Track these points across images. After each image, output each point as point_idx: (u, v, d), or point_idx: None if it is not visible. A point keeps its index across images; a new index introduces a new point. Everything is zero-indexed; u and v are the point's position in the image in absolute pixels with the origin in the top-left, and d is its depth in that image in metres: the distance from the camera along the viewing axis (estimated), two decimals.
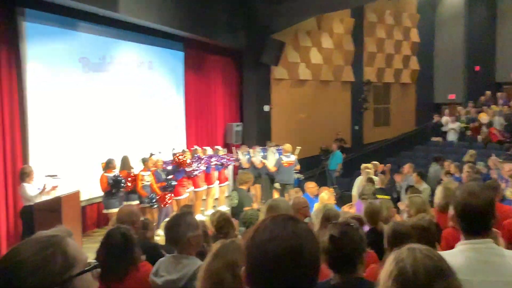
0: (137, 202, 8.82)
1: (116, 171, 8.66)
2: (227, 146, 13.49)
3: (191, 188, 10.40)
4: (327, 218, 4.10)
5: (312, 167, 14.36)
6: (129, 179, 8.72)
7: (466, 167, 8.37)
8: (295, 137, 14.22)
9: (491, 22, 19.71)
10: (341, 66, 16.50)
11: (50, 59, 8.73)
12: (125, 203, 8.13)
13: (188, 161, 9.96)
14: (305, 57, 15.30)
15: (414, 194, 5.33)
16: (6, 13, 7.87)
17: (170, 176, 9.41)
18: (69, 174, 8.30)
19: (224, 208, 10.84)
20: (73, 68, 9.29)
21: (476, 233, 2.14)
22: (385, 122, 18.76)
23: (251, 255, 1.31)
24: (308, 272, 1.30)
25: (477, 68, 19.19)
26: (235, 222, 5.17)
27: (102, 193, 8.83)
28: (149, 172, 9.13)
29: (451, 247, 2.29)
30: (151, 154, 9.69)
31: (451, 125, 16.03)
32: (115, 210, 7.22)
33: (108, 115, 10.09)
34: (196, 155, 10.67)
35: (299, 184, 11.50)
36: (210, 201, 11.26)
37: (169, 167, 9.73)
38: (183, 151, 10.50)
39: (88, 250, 7.01)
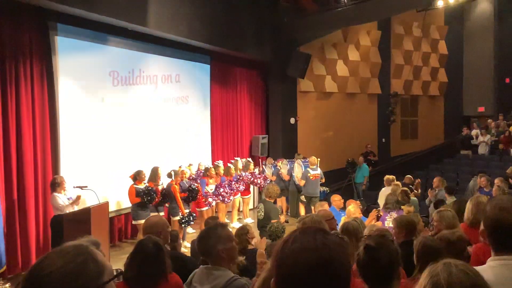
0: (162, 213, 8.90)
1: (145, 183, 8.76)
2: (253, 158, 13.51)
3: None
4: (346, 230, 4.05)
5: (338, 180, 14.25)
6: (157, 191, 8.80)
7: (497, 181, 8.19)
8: (321, 149, 14.17)
9: None
10: (368, 78, 16.40)
11: (81, 72, 8.93)
12: (152, 214, 8.19)
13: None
14: (331, 70, 15.27)
15: (443, 209, 5.23)
16: (39, 27, 8.10)
17: (194, 185, 9.47)
18: (98, 185, 8.41)
19: (250, 221, 10.85)
20: (103, 81, 9.48)
21: (507, 249, 2.09)
22: (413, 135, 18.53)
23: (281, 267, 1.30)
24: (339, 284, 1.28)
25: (507, 80, 18.83)
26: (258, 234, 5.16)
27: (130, 204, 8.93)
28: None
29: (482, 263, 2.24)
30: (179, 168, 9.82)
31: (481, 138, 15.72)
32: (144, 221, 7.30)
33: (136, 127, 10.23)
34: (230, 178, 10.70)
35: (325, 197, 11.42)
36: (235, 213, 11.25)
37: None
38: (217, 166, 10.59)
39: (115, 260, 7.11)
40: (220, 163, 10.92)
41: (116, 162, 9.54)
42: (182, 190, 9.16)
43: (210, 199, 9.99)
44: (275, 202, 8.04)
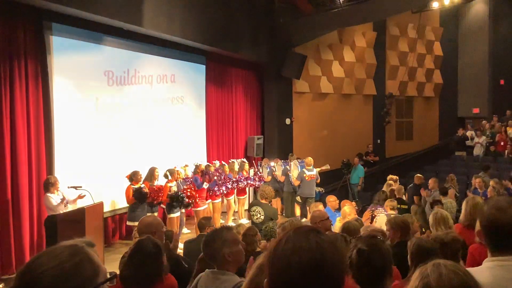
0: (156, 214, 8.88)
1: (141, 183, 8.73)
2: (248, 159, 13.51)
3: (209, 200, 10.42)
4: (347, 230, 4.04)
5: (334, 181, 14.27)
6: (152, 192, 8.76)
7: (492, 182, 8.22)
8: (316, 150, 14.18)
9: None
10: (363, 79, 16.43)
11: (76, 72, 8.90)
12: (148, 214, 8.16)
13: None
14: (327, 71, 15.29)
15: (437, 210, 5.24)
16: (34, 27, 8.06)
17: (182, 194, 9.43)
18: (92, 185, 8.38)
19: (245, 221, 10.82)
20: (98, 81, 9.45)
21: (504, 249, 2.08)
22: (408, 136, 18.57)
23: (273, 267, 1.30)
24: (332, 284, 1.28)
25: (502, 81, 18.91)
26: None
27: (124, 205, 8.91)
28: (175, 183, 9.23)
29: (478, 264, 2.23)
30: (175, 168, 9.81)
31: (477, 139, 15.77)
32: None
33: (131, 127, 10.21)
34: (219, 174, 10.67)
35: (320, 197, 11.42)
36: (230, 213, 11.23)
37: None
38: (208, 165, 10.59)
39: (109, 261, 7.08)
40: (217, 163, 10.95)
41: (111, 162, 9.51)
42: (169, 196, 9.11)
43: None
44: (269, 204, 8.04)
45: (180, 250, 7.57)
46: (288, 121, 14.37)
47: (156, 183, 9.02)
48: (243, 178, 11.09)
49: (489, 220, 2.12)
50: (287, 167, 11.90)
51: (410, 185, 10.78)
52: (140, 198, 8.53)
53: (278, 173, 11.94)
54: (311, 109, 15.07)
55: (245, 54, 12.99)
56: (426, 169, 16.02)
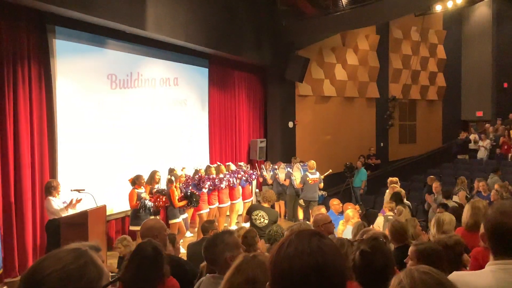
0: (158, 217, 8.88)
1: (142, 189, 8.71)
2: (251, 162, 13.51)
3: (216, 204, 10.42)
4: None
5: (337, 184, 14.24)
6: (155, 202, 8.72)
7: (496, 186, 8.19)
8: (319, 153, 14.17)
9: None
10: (366, 82, 16.42)
11: (79, 75, 8.92)
12: (151, 218, 8.16)
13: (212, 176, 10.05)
14: (330, 74, 15.29)
15: (441, 213, 5.22)
16: (37, 30, 8.08)
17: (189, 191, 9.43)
18: (96, 188, 8.39)
19: (247, 225, 10.81)
20: (101, 85, 9.46)
21: (507, 253, 2.07)
22: (411, 139, 18.53)
23: (276, 271, 1.30)
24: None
25: (506, 84, 18.86)
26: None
27: (127, 208, 8.90)
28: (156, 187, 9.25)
29: (481, 267, 2.22)
30: (171, 170, 9.83)
31: (481, 143, 15.72)
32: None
33: (134, 131, 10.22)
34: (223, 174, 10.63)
35: (323, 201, 11.41)
36: (234, 216, 11.23)
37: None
38: (208, 167, 10.59)
39: (112, 265, 7.06)
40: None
41: (114, 166, 9.52)
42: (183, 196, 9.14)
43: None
44: (272, 207, 8.02)
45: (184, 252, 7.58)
46: (291, 124, 14.37)
47: (157, 186, 9.00)
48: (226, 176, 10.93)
49: (493, 224, 2.11)
50: (290, 170, 11.89)
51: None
52: (146, 210, 8.52)
53: (281, 176, 11.93)
54: (314, 112, 15.06)
55: (248, 57, 13.01)
56: (429, 172, 15.93)
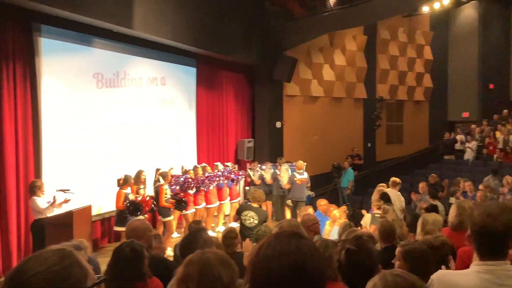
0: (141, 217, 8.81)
1: (129, 189, 8.64)
2: (239, 162, 13.49)
3: (203, 204, 10.37)
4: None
5: (324, 184, 14.26)
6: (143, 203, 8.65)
7: (481, 186, 8.26)
8: (307, 153, 14.19)
9: (505, 41, 19.68)
10: (354, 83, 16.48)
11: (65, 74, 8.83)
12: (136, 218, 8.10)
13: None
14: (318, 74, 15.32)
15: (427, 213, 5.24)
16: (22, 28, 7.98)
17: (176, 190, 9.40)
18: (81, 188, 8.32)
19: (235, 225, 10.79)
20: (87, 84, 9.38)
21: (493, 255, 2.09)
22: (398, 140, 18.64)
23: (255, 272, 1.30)
24: None
25: (491, 86, 19.06)
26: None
27: (113, 208, 8.83)
28: (167, 186, 9.19)
29: (466, 266, 2.24)
30: (157, 170, 9.79)
31: (468, 144, 15.85)
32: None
33: (121, 130, 10.15)
34: (208, 173, 10.58)
35: (311, 201, 11.42)
36: (221, 217, 11.20)
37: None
38: (195, 167, 10.54)
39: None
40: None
41: (100, 165, 9.45)
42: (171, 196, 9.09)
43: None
44: (260, 207, 8.01)
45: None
46: (278, 124, 14.38)
47: (142, 187, 8.92)
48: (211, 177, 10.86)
49: (480, 226, 2.13)
50: (276, 170, 11.90)
51: None
52: (134, 211, 8.43)
53: (268, 176, 11.93)
54: (301, 112, 15.08)
55: (236, 57, 12.99)
56: (416, 172, 16.09)
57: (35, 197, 7.09)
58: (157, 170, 9.82)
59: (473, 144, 15.73)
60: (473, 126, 17.20)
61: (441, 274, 2.20)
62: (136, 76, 10.62)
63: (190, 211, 9.88)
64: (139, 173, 9.02)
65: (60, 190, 7.51)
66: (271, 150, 14.10)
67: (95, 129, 9.50)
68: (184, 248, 2.96)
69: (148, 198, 8.66)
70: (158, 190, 8.99)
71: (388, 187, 9.44)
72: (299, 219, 6.01)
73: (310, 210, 7.19)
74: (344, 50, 16.08)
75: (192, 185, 9.84)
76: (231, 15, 12.37)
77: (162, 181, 9.18)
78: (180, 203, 9.06)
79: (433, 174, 11.29)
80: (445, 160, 16.67)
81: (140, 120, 10.70)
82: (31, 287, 1.19)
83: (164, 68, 11.46)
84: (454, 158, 16.37)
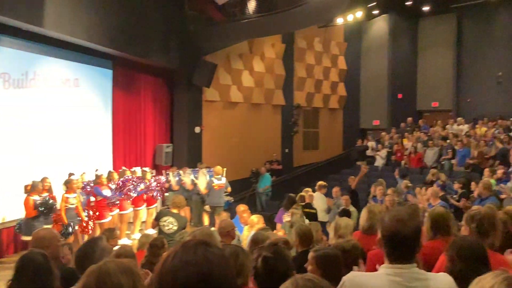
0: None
1: (37, 196, 8.15)
2: (156, 167, 13.22)
3: (116, 210, 10.01)
4: (256, 241, 4.04)
5: (243, 190, 14.35)
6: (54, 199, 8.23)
7: (389, 191, 8.66)
8: (226, 159, 14.18)
9: (412, 53, 20.94)
10: (272, 89, 16.77)
11: None
12: (44, 227, 7.66)
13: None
14: (237, 80, 15.42)
15: (340, 218, 5.42)
16: None
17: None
18: None
19: (152, 231, 10.54)
20: None
21: (401, 258, 2.19)
22: (314, 146, 19.19)
23: (161, 283, 1.27)
24: None
25: (400, 95, 20.19)
26: None
27: (18, 217, 8.29)
28: (75, 195, 8.69)
29: (376, 269, 2.32)
30: (70, 174, 9.31)
31: (377, 152, 16.60)
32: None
33: (29, 134, 9.57)
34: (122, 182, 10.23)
35: (229, 206, 11.43)
36: (138, 224, 10.88)
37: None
38: (110, 172, 10.18)
39: (1, 277, 6.52)
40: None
41: (5, 171, 8.84)
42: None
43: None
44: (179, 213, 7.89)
45: None
46: (198, 129, 14.27)
47: (46, 194, 8.42)
48: (146, 187, 10.70)
49: (389, 231, 2.22)
50: (196, 176, 11.79)
51: None
52: (49, 210, 7.96)
53: (187, 181, 11.78)
54: (221, 117, 15.09)
55: (155, 60, 12.74)
56: (331, 177, 16.62)
57: None
58: (98, 176, 9.47)
59: (383, 151, 16.52)
60: (383, 133, 18.09)
61: (352, 276, 2.27)
62: (47, 77, 10.09)
63: (107, 219, 9.50)
64: (42, 180, 8.50)
65: None
66: (190, 155, 13.96)
67: (1, 133, 8.89)
68: (80, 258, 2.80)
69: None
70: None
71: (313, 191, 9.76)
72: (217, 225, 5.99)
73: (225, 215, 7.19)
74: (263, 57, 16.33)
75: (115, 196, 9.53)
76: (150, 17, 12.13)
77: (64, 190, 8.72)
78: (66, 230, 8.54)
79: (352, 177, 11.71)
80: (358, 166, 17.34)
81: (51, 123, 10.16)
82: None
83: (77, 69, 10.99)
84: (365, 164, 17.08)
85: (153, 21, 12.25)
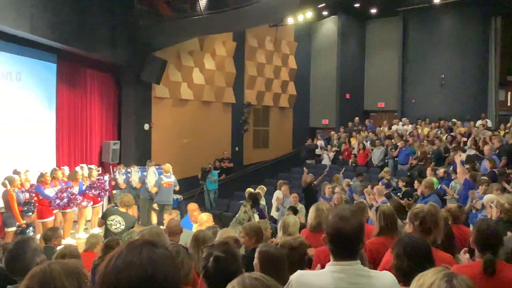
0: None
1: None
2: (103, 165, 12.89)
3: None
4: (198, 240, 3.99)
5: (192, 187, 14.23)
6: None
7: (336, 189, 8.83)
8: (176, 156, 14.05)
9: (360, 55, 21.44)
10: (223, 87, 16.71)
11: None
12: None
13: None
14: (187, 77, 15.26)
15: (288, 215, 5.46)
16: None
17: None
18: None
19: (97, 230, 10.27)
20: None
21: (345, 255, 2.23)
22: (264, 144, 19.28)
23: (104, 284, 1.22)
24: None
25: (348, 95, 20.62)
26: None
27: None
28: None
29: (323, 266, 2.35)
30: (15, 172, 8.95)
31: (326, 152, 16.89)
32: None
33: None
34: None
35: (179, 204, 11.30)
36: (82, 223, 10.57)
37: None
38: (55, 170, 9.83)
39: None
40: (66, 168, 10.24)
41: None
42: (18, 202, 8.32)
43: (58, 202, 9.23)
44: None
45: None
46: (147, 126, 14.02)
47: None
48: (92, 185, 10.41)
49: (333, 228, 2.26)
50: (145, 173, 11.57)
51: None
52: None
53: (135, 179, 11.55)
54: (171, 115, 14.90)
55: (102, 54, 12.39)
56: (280, 176, 16.76)
57: None
58: (43, 174, 9.09)
59: (332, 150, 16.83)
60: (332, 132, 18.43)
61: (299, 275, 2.28)
62: None
63: (50, 219, 9.18)
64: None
65: None
66: (139, 152, 13.70)
67: None
68: (10, 259, 2.67)
69: None
70: (6, 197, 8.18)
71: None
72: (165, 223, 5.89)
73: (174, 214, 7.09)
74: (214, 55, 16.24)
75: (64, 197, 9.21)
76: (97, 10, 11.78)
77: (8, 186, 8.38)
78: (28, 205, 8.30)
79: (309, 174, 11.88)
80: (307, 164, 17.59)
81: None
82: None
83: (19, 63, 10.57)
84: (314, 163, 17.36)
85: (100, 14, 11.91)
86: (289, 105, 20.22)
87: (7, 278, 3.33)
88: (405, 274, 2.45)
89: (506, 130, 13.82)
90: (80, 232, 10.32)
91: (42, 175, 9.40)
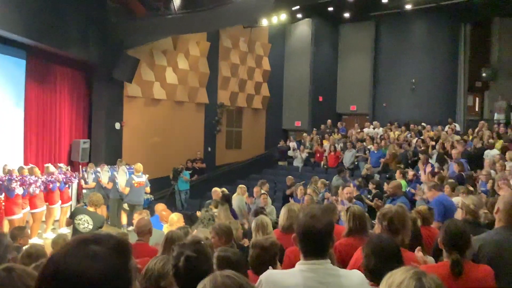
0: None
1: None
2: (72, 164, 12.67)
3: (27, 208, 9.45)
4: (172, 240, 3.95)
5: (163, 188, 14.11)
6: None
7: (308, 190, 8.89)
8: (148, 156, 13.90)
9: (333, 59, 21.64)
10: (196, 87, 16.63)
11: None
12: None
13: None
14: (160, 76, 15.13)
15: (257, 217, 5.46)
16: None
17: None
18: None
19: (66, 230, 10.08)
20: None
21: (315, 254, 2.24)
22: (237, 145, 19.27)
23: (43, 284, 1.16)
24: None
25: (320, 98, 20.78)
26: None
27: None
28: None
29: (293, 266, 2.36)
30: None
31: (298, 154, 16.98)
32: None
33: None
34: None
35: (149, 204, 11.19)
36: (50, 222, 10.35)
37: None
38: (21, 168, 9.60)
39: None
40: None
41: None
42: None
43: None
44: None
45: None
46: (118, 125, 13.84)
47: None
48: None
49: (304, 227, 2.28)
50: (115, 173, 11.42)
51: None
52: None
53: (104, 179, 11.38)
54: (143, 114, 14.74)
55: (72, 52, 12.19)
56: (252, 177, 16.78)
57: None
58: (10, 170, 8.82)
59: (304, 152, 16.94)
60: (304, 134, 18.55)
61: (269, 274, 2.29)
62: None
63: (17, 216, 8.96)
64: None
65: None
66: (109, 151, 13.51)
67: None
68: None
69: None
70: None
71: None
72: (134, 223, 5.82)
73: (144, 213, 7.03)
74: (187, 55, 16.14)
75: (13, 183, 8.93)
76: (68, 6, 11.58)
77: None
78: None
79: (289, 177, 11.96)
80: (279, 166, 17.68)
81: None
82: None
83: None
84: (287, 164, 17.45)
85: (72, 10, 11.71)
86: (262, 106, 20.25)
87: None
88: (374, 273, 2.48)
89: (474, 135, 14.15)
90: (47, 232, 10.11)
91: (9, 172, 9.19)
